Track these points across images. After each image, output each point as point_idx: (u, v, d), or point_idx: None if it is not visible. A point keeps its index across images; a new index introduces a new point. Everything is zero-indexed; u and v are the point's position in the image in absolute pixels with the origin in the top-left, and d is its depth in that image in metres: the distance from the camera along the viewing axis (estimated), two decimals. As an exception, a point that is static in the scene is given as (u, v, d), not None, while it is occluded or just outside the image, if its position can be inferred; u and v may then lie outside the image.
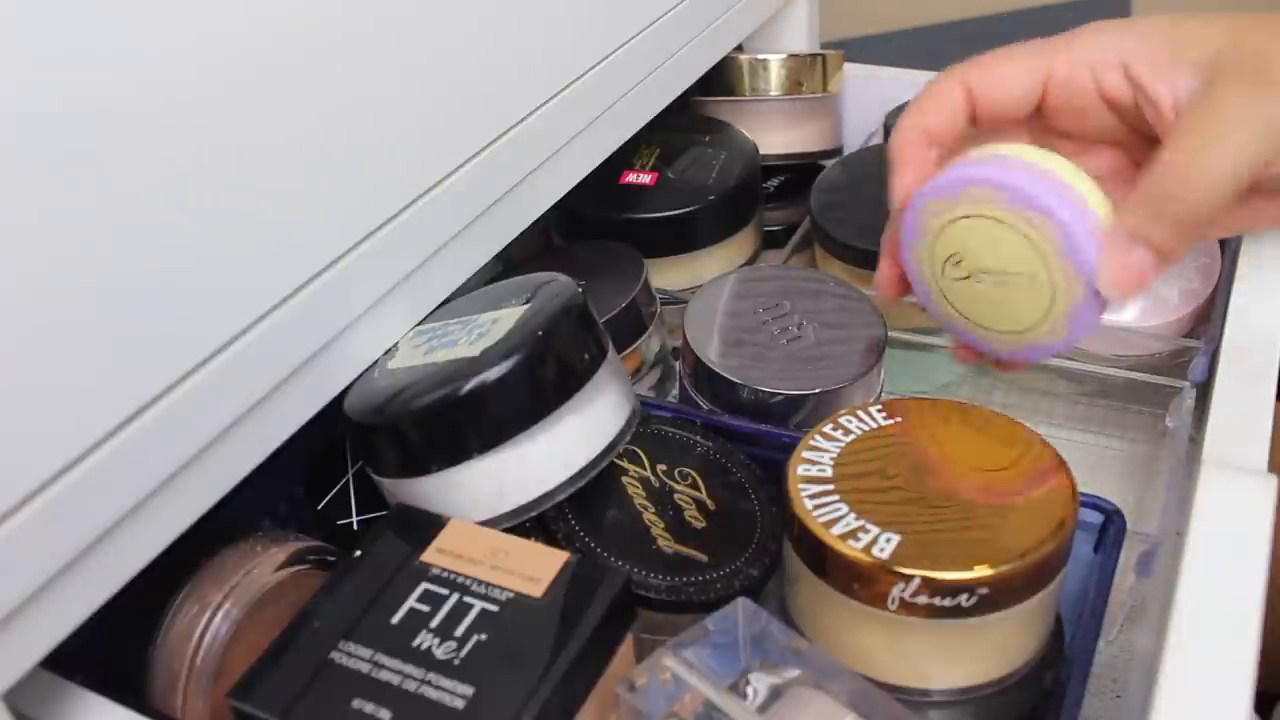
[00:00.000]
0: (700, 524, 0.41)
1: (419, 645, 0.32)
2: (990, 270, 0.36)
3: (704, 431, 0.45)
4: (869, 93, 0.72)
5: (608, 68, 0.50)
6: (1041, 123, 0.41)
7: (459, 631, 0.32)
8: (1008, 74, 0.39)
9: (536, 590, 0.33)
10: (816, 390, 0.45)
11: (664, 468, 0.42)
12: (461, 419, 0.37)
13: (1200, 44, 0.36)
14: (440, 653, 0.31)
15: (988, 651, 0.35)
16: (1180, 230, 0.35)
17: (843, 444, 0.37)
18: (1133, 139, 0.40)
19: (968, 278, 0.37)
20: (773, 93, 0.66)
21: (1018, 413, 0.54)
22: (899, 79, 0.72)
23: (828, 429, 0.38)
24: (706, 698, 0.31)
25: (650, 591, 0.38)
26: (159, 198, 0.30)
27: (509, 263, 0.60)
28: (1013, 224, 0.35)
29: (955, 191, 0.36)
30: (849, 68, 0.72)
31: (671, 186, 0.60)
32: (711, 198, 0.58)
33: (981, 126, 0.40)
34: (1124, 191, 0.38)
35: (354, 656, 0.32)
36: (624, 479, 0.42)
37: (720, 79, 0.66)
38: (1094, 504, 0.40)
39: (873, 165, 0.62)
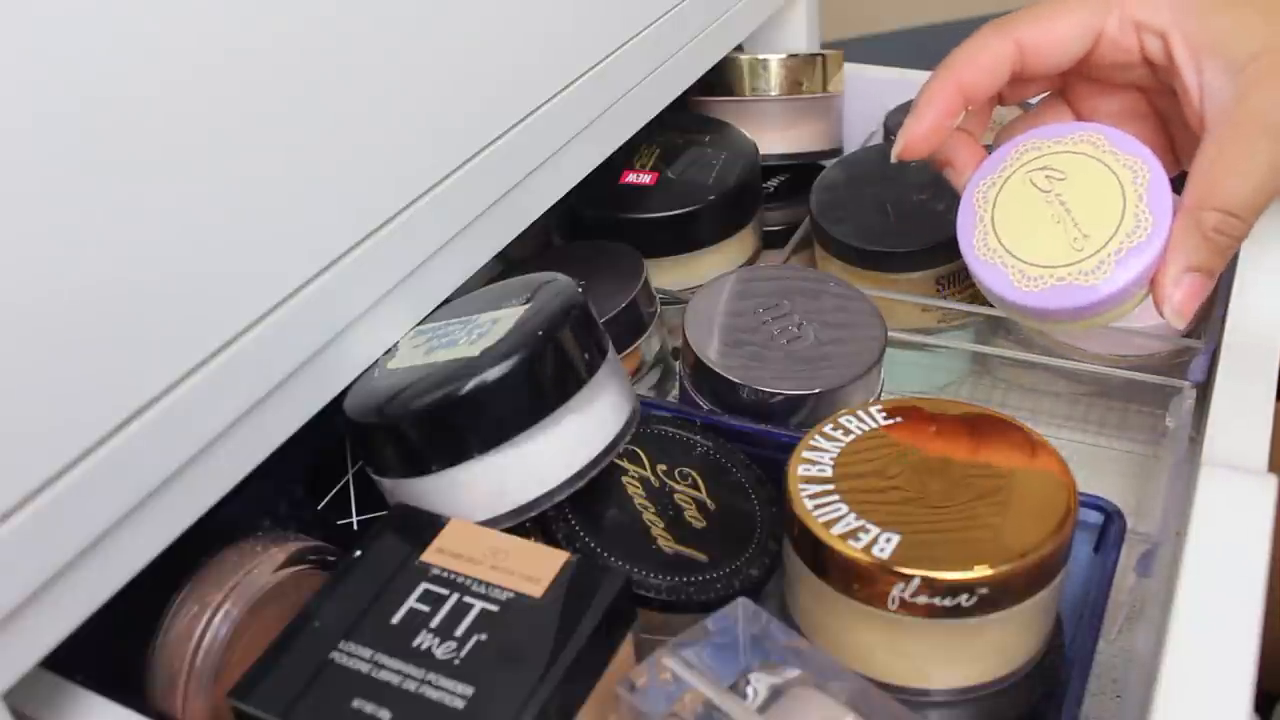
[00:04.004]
0: (700, 524, 0.41)
1: (419, 645, 0.32)
2: (1067, 201, 0.39)
3: (704, 431, 0.45)
4: (869, 93, 0.72)
5: (608, 68, 0.50)
6: (1076, 70, 0.42)
7: (459, 631, 0.32)
8: (1063, 30, 0.39)
9: (536, 590, 0.33)
10: (816, 390, 0.45)
11: (664, 468, 0.42)
12: (461, 419, 0.37)
13: (1239, 40, 0.36)
14: (440, 653, 0.31)
15: (988, 651, 0.35)
16: (1227, 254, 0.37)
17: (843, 444, 0.37)
18: (1155, 85, 0.41)
19: (1047, 191, 0.39)
20: (773, 93, 0.66)
21: (1018, 413, 0.54)
22: (899, 79, 0.72)
23: (828, 429, 0.38)
24: (706, 698, 0.31)
25: (650, 591, 0.38)
26: (159, 198, 0.30)
27: (509, 263, 0.60)
28: (1124, 184, 0.38)
29: (1123, 147, 0.39)
30: (849, 68, 0.71)
31: (671, 186, 0.60)
32: (711, 198, 0.58)
33: (1023, 80, 0.41)
34: (1136, 128, 0.41)
35: (354, 656, 0.32)
36: (624, 479, 0.42)
37: (720, 79, 0.66)
38: (1094, 504, 0.40)
39: (873, 165, 0.62)
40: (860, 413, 0.38)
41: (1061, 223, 0.39)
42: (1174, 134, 0.43)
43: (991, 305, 0.42)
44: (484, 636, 0.32)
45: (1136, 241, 0.37)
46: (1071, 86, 0.43)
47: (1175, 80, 0.38)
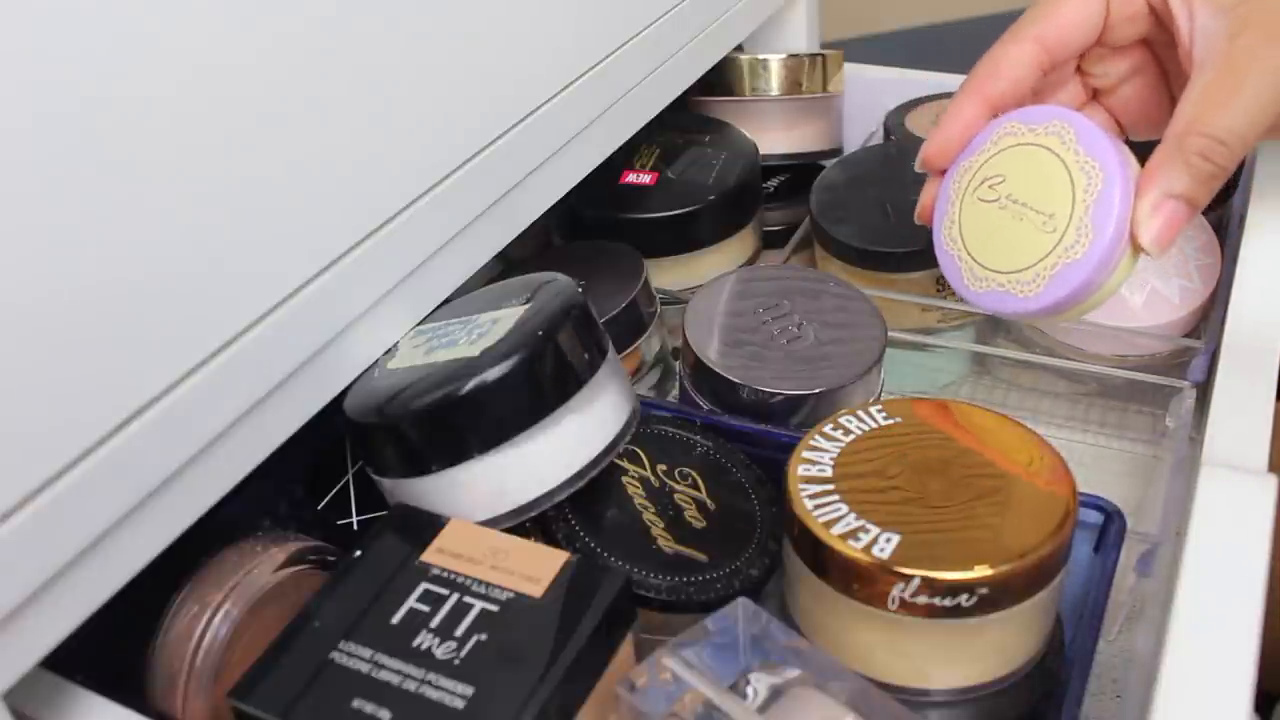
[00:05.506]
0: (700, 524, 0.41)
1: (419, 645, 0.32)
2: (1018, 200, 0.38)
3: (704, 431, 0.45)
4: (869, 93, 0.72)
5: (608, 68, 0.50)
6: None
7: (459, 631, 0.32)
8: (1073, 12, 0.40)
9: (536, 590, 0.33)
10: (816, 390, 0.45)
11: (664, 468, 0.42)
12: (461, 419, 0.37)
13: None
14: (440, 653, 0.31)
15: (988, 651, 0.35)
16: (1211, 183, 0.36)
17: (843, 444, 0.37)
18: (1161, 35, 0.41)
19: (995, 200, 0.39)
20: (773, 93, 0.66)
21: (1018, 413, 0.54)
22: (899, 79, 0.72)
23: (828, 429, 0.38)
24: (706, 698, 0.31)
25: (650, 591, 0.38)
26: (159, 198, 0.30)
27: (509, 263, 0.60)
28: (1066, 161, 0.37)
29: (1039, 120, 0.39)
30: (849, 68, 0.72)
31: (671, 186, 0.60)
32: (711, 198, 0.58)
33: (1054, 68, 0.42)
34: (1142, 87, 0.42)
35: (354, 656, 0.32)
36: (624, 479, 0.42)
37: (720, 79, 0.66)
38: (1094, 504, 0.40)
39: (873, 165, 0.62)
40: (860, 413, 0.38)
41: (1024, 219, 0.38)
42: (1176, 92, 0.43)
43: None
44: (484, 636, 0.32)
45: (1095, 192, 0.37)
46: (1084, 55, 0.43)
47: (1170, 24, 0.39)
